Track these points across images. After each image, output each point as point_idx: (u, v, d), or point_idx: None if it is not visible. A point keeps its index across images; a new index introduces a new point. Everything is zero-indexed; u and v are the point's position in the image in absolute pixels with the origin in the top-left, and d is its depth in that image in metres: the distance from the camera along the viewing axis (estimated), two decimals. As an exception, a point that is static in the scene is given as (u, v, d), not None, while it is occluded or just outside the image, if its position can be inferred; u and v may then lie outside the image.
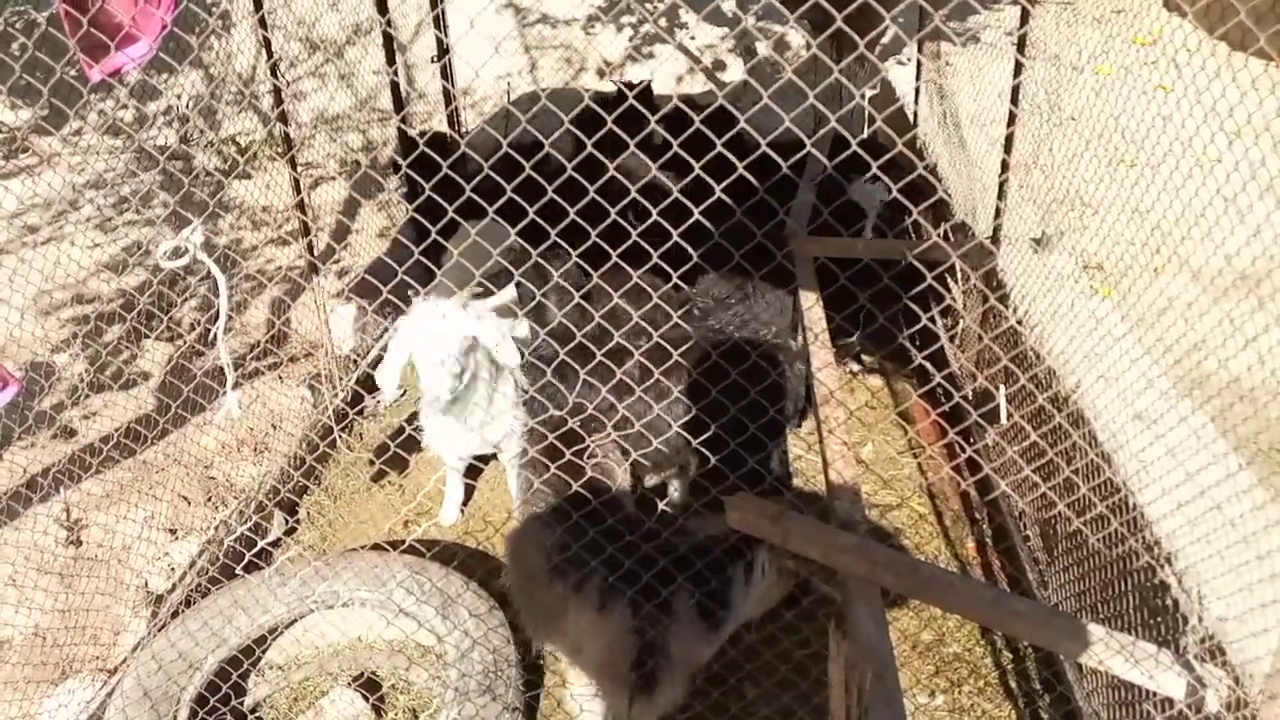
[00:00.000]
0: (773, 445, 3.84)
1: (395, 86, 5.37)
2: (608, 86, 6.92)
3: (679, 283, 2.95)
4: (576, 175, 2.12)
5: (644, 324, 3.46)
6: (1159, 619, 2.64)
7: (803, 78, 6.54)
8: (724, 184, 2.05)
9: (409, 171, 5.12)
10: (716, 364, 3.50)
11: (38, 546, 3.67)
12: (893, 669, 2.26)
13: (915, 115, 5.65)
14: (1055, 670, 3.31)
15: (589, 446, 3.28)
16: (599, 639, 2.77)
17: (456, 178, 2.29)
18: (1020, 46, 3.49)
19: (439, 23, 5.75)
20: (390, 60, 5.23)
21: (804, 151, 4.44)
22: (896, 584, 2.47)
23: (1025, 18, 3.51)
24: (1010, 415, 3.63)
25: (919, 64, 5.59)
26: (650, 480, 4.28)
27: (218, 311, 3.15)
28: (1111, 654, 2.28)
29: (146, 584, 3.69)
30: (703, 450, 2.90)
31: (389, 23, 5.23)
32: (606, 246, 2.31)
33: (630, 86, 5.71)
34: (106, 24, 2.42)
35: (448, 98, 6.06)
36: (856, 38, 1.98)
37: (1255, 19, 2.35)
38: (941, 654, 3.53)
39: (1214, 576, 2.46)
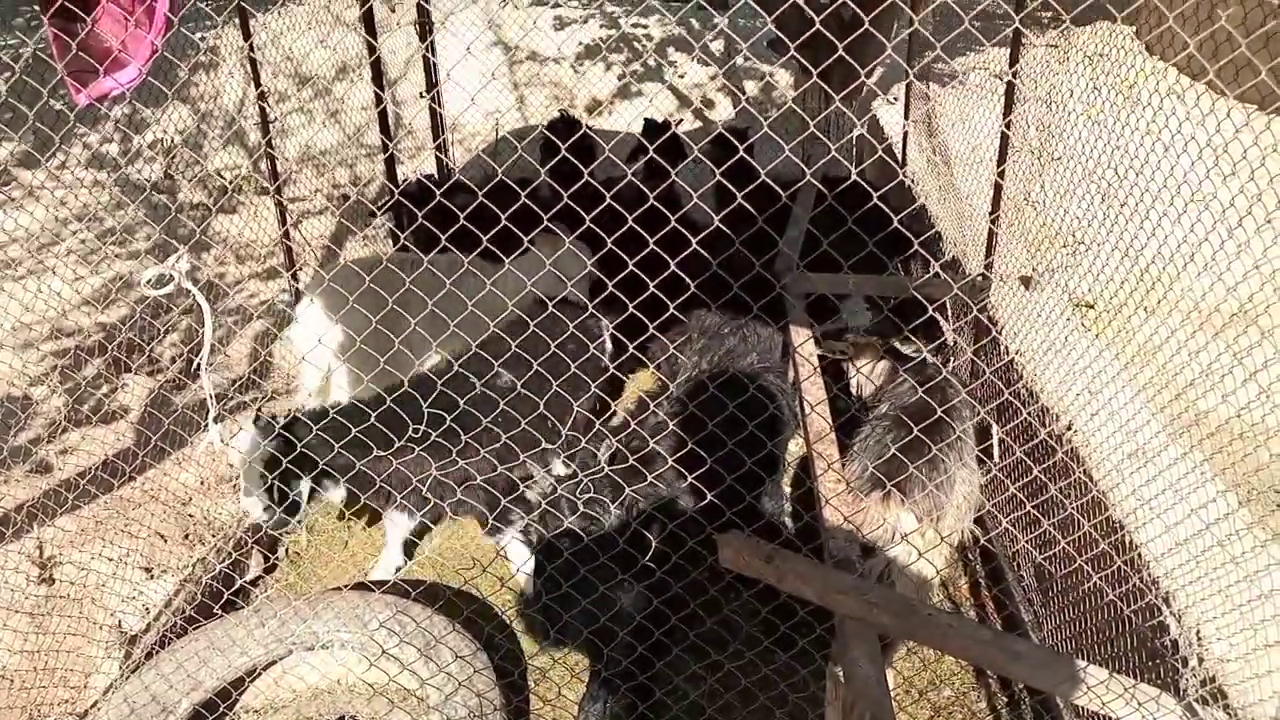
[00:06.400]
0: (769, 480, 3.80)
1: (384, 121, 5.36)
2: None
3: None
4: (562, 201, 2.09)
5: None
6: (1157, 660, 2.59)
7: (791, 116, 6.58)
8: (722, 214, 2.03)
9: (404, 201, 5.12)
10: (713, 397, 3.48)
11: (8, 585, 3.56)
12: (890, 713, 2.20)
13: (903, 152, 5.69)
14: (1052, 715, 3.25)
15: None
16: None
17: (467, 220, 2.26)
18: (1010, 85, 3.52)
19: (428, 61, 5.77)
20: (379, 96, 5.23)
21: (797, 186, 4.42)
22: (893, 625, 2.41)
23: (1015, 58, 3.55)
24: (1004, 454, 3.61)
25: (907, 103, 5.64)
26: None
27: (201, 342, 3.10)
28: (1114, 697, 2.23)
29: (120, 624, 3.58)
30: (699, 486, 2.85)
31: (377, 58, 5.23)
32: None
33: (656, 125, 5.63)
34: (95, 47, 2.39)
35: (436, 133, 6.04)
36: (859, 67, 1.97)
37: (1245, 61, 2.37)
38: (937, 698, 3.46)
39: (1215, 616, 2.42)
